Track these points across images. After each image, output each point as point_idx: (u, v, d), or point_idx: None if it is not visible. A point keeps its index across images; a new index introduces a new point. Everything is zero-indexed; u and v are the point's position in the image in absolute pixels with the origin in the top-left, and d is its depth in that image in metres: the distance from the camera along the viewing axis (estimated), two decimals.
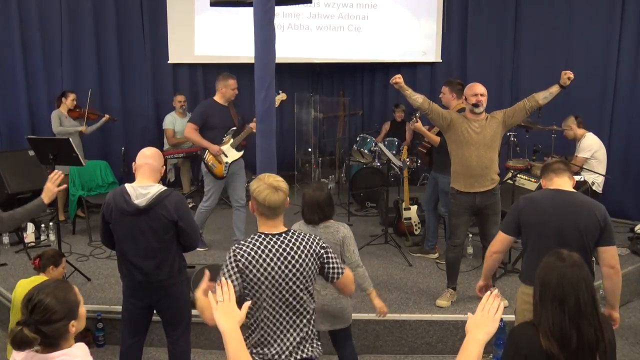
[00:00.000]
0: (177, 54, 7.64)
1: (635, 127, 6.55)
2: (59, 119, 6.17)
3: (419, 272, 4.99)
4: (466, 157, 4.02)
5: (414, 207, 5.65)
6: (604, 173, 5.43)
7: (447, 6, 7.64)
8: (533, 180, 5.42)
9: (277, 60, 3.68)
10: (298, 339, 2.36)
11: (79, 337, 1.89)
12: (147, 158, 3.08)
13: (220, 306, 1.88)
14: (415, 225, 5.66)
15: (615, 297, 2.89)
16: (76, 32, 7.14)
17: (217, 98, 5.15)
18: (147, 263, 3.03)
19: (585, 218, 2.81)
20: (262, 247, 2.31)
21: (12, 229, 4.64)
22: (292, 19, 7.71)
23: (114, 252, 3.26)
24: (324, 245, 2.42)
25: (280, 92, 5.21)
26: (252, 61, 3.65)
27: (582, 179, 5.13)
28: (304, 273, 2.33)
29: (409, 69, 7.81)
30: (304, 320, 2.38)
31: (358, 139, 7.27)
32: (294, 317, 2.35)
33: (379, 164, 6.88)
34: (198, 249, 5.05)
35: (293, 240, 2.35)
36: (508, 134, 5.92)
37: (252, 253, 2.29)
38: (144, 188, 3.01)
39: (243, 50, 6.73)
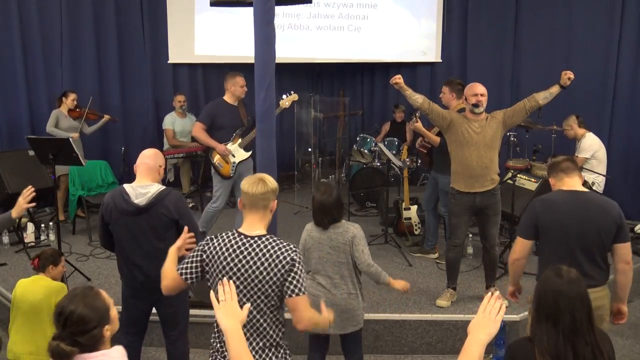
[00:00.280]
0: (177, 54, 7.64)
1: (635, 127, 6.55)
2: (55, 118, 6.16)
3: (419, 272, 4.99)
4: (466, 157, 4.02)
5: (414, 207, 5.65)
6: (604, 173, 5.43)
7: (447, 6, 7.64)
8: (533, 180, 5.42)
9: (277, 60, 3.67)
10: (261, 344, 2.32)
11: None
12: (144, 157, 3.10)
13: (222, 305, 1.89)
14: (415, 225, 5.66)
15: (627, 291, 2.95)
16: (76, 32, 7.14)
17: (227, 98, 5.14)
18: (148, 263, 3.03)
19: (604, 218, 2.85)
20: (227, 245, 2.32)
21: None
22: (292, 19, 7.71)
23: (113, 252, 3.26)
24: (294, 257, 2.29)
25: (292, 92, 5.20)
26: (252, 61, 3.65)
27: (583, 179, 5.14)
28: (267, 279, 2.27)
29: (409, 69, 7.80)
30: (267, 325, 2.31)
31: (358, 139, 7.27)
32: (253, 322, 2.30)
33: (379, 164, 6.88)
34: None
35: (262, 246, 2.29)
36: (508, 134, 5.92)
37: (217, 249, 2.33)
38: (143, 188, 3.01)
39: (243, 50, 6.73)
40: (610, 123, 6.62)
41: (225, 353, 2.31)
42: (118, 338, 3.29)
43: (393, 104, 7.75)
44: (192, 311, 3.54)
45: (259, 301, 2.29)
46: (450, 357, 4.02)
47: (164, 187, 3.06)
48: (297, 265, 2.29)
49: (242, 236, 2.33)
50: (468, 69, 7.45)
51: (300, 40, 7.75)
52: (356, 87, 8.75)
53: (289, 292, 2.27)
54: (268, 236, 2.35)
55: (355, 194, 6.85)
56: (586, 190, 3.01)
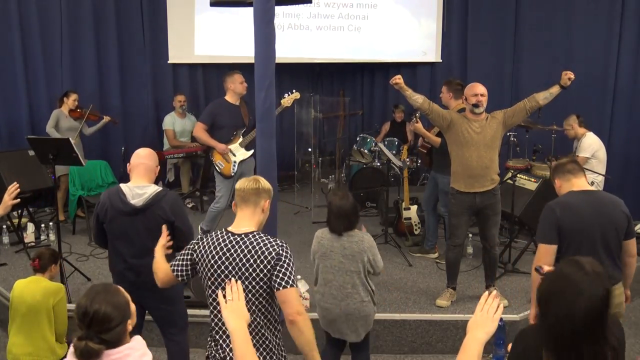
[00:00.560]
0: (177, 54, 7.64)
1: (635, 127, 6.55)
2: (56, 118, 6.16)
3: (419, 272, 4.99)
4: (466, 157, 4.02)
5: (414, 207, 5.65)
6: (604, 173, 5.44)
7: (447, 6, 7.64)
8: (533, 180, 5.42)
9: (277, 60, 3.68)
10: (253, 343, 2.31)
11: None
12: (142, 158, 3.09)
13: (229, 305, 1.93)
14: (415, 225, 5.66)
15: (632, 279, 3.10)
16: (76, 32, 7.14)
17: (228, 97, 5.15)
18: (141, 262, 3.02)
19: (618, 215, 2.91)
20: (216, 244, 2.34)
21: None
22: (292, 19, 7.71)
23: (107, 249, 3.26)
24: (280, 251, 2.29)
25: (294, 91, 5.20)
26: (252, 61, 3.65)
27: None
28: (253, 276, 2.27)
29: (409, 69, 7.81)
30: (260, 324, 2.31)
31: (358, 139, 7.27)
32: None
33: (379, 164, 6.88)
34: None
35: (248, 243, 2.31)
36: (508, 134, 5.92)
37: (206, 248, 2.36)
38: (140, 188, 3.01)
39: (243, 50, 6.73)
40: (610, 123, 6.63)
41: (225, 355, 2.31)
42: None
43: (393, 104, 7.76)
44: (192, 311, 3.54)
45: (247, 299, 2.26)
46: (450, 357, 4.02)
47: (161, 188, 3.07)
48: (283, 258, 2.28)
49: (230, 234, 2.36)
50: (468, 69, 7.45)
51: (300, 40, 7.75)
52: (356, 87, 8.75)
53: (276, 285, 2.25)
54: (255, 233, 2.35)
55: (355, 194, 6.84)
56: (595, 189, 3.04)
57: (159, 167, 3.19)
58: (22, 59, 6.91)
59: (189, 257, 2.43)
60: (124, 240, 3.06)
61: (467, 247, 5.23)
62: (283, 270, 2.27)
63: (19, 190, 3.19)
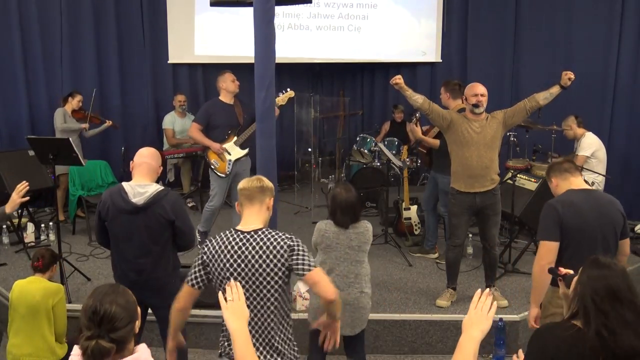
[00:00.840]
0: (177, 54, 7.64)
1: (635, 127, 6.55)
2: (63, 116, 6.16)
3: (419, 272, 4.99)
4: (466, 157, 4.02)
5: (414, 207, 5.65)
6: (604, 173, 5.43)
7: (447, 6, 7.64)
8: (533, 180, 5.42)
9: (277, 60, 3.68)
10: (267, 339, 2.34)
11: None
12: (145, 157, 3.09)
13: (230, 305, 1.93)
14: (415, 225, 5.66)
15: None
16: (76, 32, 7.14)
17: (222, 97, 5.16)
18: (142, 261, 3.03)
19: (615, 213, 2.91)
20: (226, 243, 2.36)
21: None
22: (292, 19, 7.71)
23: (109, 249, 3.26)
24: (291, 243, 2.34)
25: (288, 89, 5.20)
26: (252, 61, 3.65)
27: (583, 179, 5.14)
28: (267, 271, 2.30)
29: (409, 69, 7.81)
30: (275, 320, 2.34)
31: (358, 139, 7.27)
32: (258, 316, 2.33)
33: (379, 164, 6.88)
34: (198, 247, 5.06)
35: (259, 239, 2.34)
36: (508, 134, 5.91)
37: (217, 248, 2.37)
38: (141, 187, 3.01)
39: (243, 50, 6.73)
40: (610, 123, 6.62)
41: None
42: None
43: (393, 104, 7.76)
44: (192, 311, 3.53)
45: (262, 295, 2.31)
46: (450, 357, 4.01)
47: (162, 187, 3.07)
48: (296, 248, 2.34)
49: (239, 232, 2.37)
50: (468, 69, 7.45)
51: (300, 40, 7.75)
52: (356, 87, 8.75)
53: (300, 271, 2.31)
54: (264, 229, 2.38)
55: None
56: (593, 188, 3.04)
57: (161, 167, 3.19)
58: (22, 59, 6.91)
59: (200, 262, 2.42)
60: (125, 239, 3.06)
61: (467, 247, 5.23)
62: (301, 257, 2.33)
63: (28, 188, 3.18)
